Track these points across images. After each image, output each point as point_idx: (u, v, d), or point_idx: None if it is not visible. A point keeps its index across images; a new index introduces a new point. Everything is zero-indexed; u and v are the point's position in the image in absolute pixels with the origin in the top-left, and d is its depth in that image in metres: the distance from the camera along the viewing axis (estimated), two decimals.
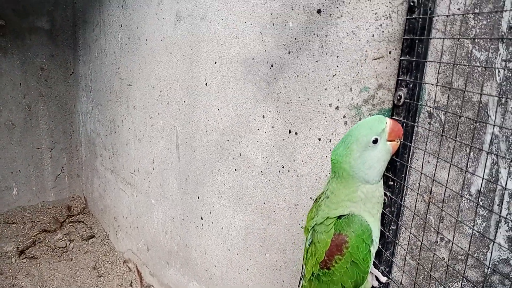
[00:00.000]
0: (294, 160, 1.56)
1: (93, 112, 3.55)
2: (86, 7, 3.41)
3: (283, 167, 1.62)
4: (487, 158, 0.98)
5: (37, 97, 3.79)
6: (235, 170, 1.87)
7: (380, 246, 1.16)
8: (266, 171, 1.69)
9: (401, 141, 1.05)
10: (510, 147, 0.97)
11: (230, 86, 1.84)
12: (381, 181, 1.04)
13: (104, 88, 3.23)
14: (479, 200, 1.04)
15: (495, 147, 1.00)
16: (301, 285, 1.18)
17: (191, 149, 2.19)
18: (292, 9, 1.47)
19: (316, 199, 1.20)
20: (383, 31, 1.17)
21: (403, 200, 1.11)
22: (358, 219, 0.99)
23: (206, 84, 2.00)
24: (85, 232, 3.67)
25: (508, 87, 0.96)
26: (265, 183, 1.71)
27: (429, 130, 1.03)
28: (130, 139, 2.89)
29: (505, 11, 0.89)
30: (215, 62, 1.91)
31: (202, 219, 2.17)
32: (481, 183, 0.98)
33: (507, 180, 0.98)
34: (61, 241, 3.48)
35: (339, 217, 1.02)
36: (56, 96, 3.89)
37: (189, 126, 2.18)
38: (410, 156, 1.09)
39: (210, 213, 2.09)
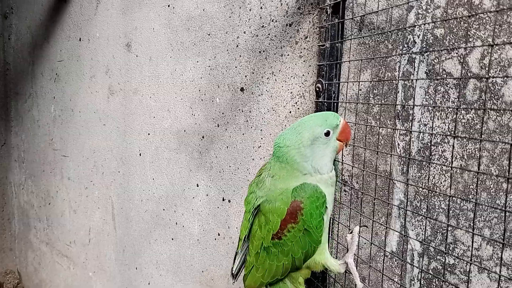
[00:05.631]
0: (229, 227, 1.61)
1: (26, 183, 3.43)
2: (17, 79, 3.38)
3: (218, 235, 1.66)
4: (386, 231, 1.07)
5: None
6: (172, 239, 1.88)
7: None
8: (203, 239, 1.72)
9: (347, 144, 1.03)
10: (415, 210, 1.08)
11: (164, 157, 1.89)
12: (333, 170, 1.02)
13: (37, 159, 3.16)
14: (394, 260, 1.13)
15: (402, 211, 1.11)
16: (237, 261, 1.13)
17: (127, 220, 2.18)
18: (218, 86, 1.57)
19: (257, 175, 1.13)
20: (298, 108, 1.29)
21: None
22: (313, 186, 0.97)
23: (140, 154, 2.03)
24: None
25: (407, 157, 1.08)
26: (202, 251, 1.73)
27: (340, 202, 1.13)
28: (65, 210, 2.82)
29: (396, 104, 1.03)
30: (149, 134, 1.96)
31: None
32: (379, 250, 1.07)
33: (408, 237, 1.08)
34: None
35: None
36: None
37: (124, 196, 2.18)
38: (330, 223, 1.18)
39: (149, 284, 2.06)
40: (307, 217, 0.96)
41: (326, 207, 0.99)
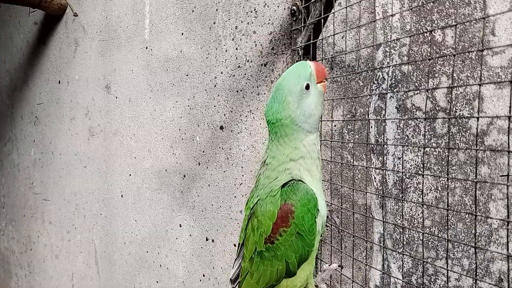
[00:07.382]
0: (213, 268, 1.59)
1: (7, 229, 3.36)
2: None
3: (203, 276, 1.63)
4: (369, 265, 1.07)
5: None
6: (157, 282, 1.84)
7: None
8: (188, 281, 1.70)
9: (327, 80, 0.95)
10: (395, 244, 1.09)
11: (145, 197, 1.87)
12: (318, 132, 0.98)
13: (18, 204, 3.11)
14: None
15: (382, 245, 1.11)
16: (235, 267, 1.08)
17: (110, 263, 2.13)
18: (198, 125, 1.59)
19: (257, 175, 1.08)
20: None
21: None
22: (304, 187, 0.92)
23: (122, 196, 2.01)
24: None
25: (384, 190, 1.10)
26: None
27: (321, 240, 1.13)
28: (47, 255, 2.75)
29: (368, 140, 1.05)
30: (130, 175, 1.95)
31: None
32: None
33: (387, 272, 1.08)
34: None
35: (284, 185, 0.94)
36: None
37: (107, 239, 2.14)
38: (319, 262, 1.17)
39: None
40: (299, 220, 0.92)
41: (318, 209, 0.94)
